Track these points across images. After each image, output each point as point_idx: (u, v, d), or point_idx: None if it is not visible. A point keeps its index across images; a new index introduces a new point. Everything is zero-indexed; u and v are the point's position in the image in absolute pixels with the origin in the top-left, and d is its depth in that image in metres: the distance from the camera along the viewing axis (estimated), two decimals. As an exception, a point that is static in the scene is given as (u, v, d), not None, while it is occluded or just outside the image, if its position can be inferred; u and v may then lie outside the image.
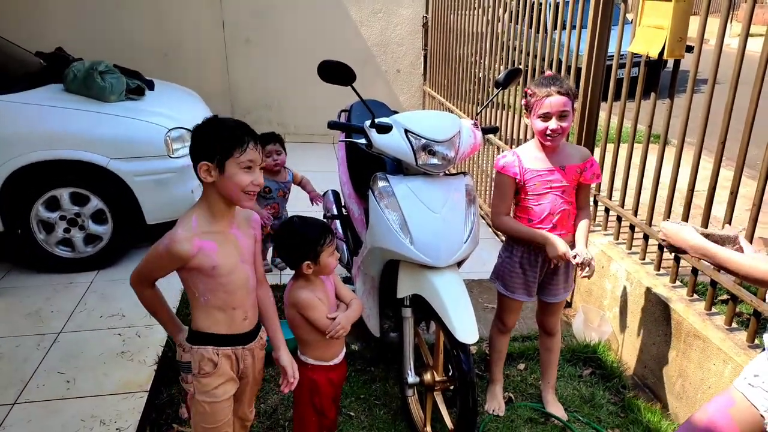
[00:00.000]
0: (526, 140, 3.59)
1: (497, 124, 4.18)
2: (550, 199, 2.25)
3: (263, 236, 3.50)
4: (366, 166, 2.62)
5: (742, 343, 2.26)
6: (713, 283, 2.45)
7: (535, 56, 3.68)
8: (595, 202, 3.31)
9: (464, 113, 4.98)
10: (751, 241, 2.15)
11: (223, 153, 1.53)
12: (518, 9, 3.99)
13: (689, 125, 2.60)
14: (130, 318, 3.02)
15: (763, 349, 1.53)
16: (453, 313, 1.99)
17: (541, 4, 3.68)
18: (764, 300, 2.18)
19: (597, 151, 3.18)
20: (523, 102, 2.25)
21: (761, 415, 1.45)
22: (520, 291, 2.38)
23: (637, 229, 2.95)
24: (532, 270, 2.35)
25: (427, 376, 2.23)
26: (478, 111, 2.65)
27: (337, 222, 3.17)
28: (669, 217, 2.64)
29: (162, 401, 2.51)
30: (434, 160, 2.15)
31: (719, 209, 2.49)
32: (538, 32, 3.66)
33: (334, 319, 1.90)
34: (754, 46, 2.99)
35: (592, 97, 3.17)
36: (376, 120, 2.19)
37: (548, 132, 2.16)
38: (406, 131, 2.14)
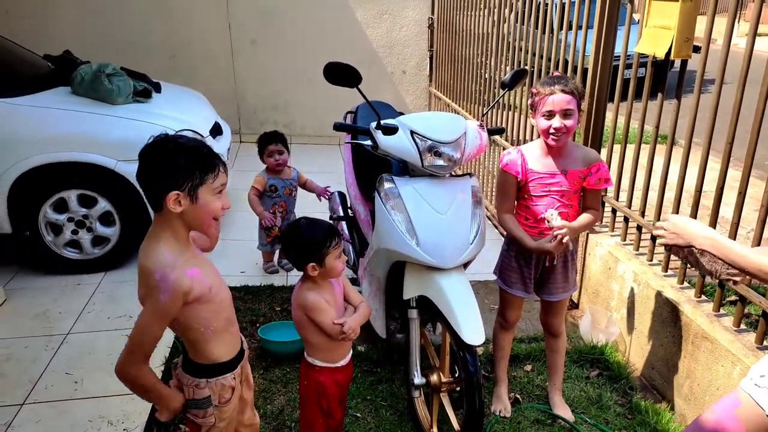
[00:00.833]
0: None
1: (503, 125, 4.17)
2: (547, 201, 2.24)
3: (272, 238, 3.53)
4: (372, 168, 2.62)
5: (751, 344, 2.24)
6: (721, 285, 2.44)
7: (542, 57, 3.67)
8: (602, 203, 3.29)
9: (470, 114, 4.97)
10: (759, 244, 2.14)
11: (196, 180, 1.41)
12: (524, 9, 3.99)
13: (697, 126, 2.58)
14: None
15: (771, 350, 1.52)
16: (459, 315, 1.99)
17: (547, 4, 3.67)
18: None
19: (604, 151, 3.17)
20: (529, 102, 2.25)
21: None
22: (518, 286, 2.38)
23: (644, 230, 2.93)
24: (527, 266, 2.35)
25: (434, 378, 2.23)
26: (485, 112, 2.65)
27: (343, 223, 3.18)
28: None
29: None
30: (440, 162, 2.15)
31: (727, 210, 2.48)
32: (544, 33, 3.66)
33: (341, 325, 1.88)
34: (762, 45, 2.98)
35: (598, 97, 3.16)
36: (382, 121, 2.19)
37: (551, 130, 2.13)
38: (412, 132, 2.14)
